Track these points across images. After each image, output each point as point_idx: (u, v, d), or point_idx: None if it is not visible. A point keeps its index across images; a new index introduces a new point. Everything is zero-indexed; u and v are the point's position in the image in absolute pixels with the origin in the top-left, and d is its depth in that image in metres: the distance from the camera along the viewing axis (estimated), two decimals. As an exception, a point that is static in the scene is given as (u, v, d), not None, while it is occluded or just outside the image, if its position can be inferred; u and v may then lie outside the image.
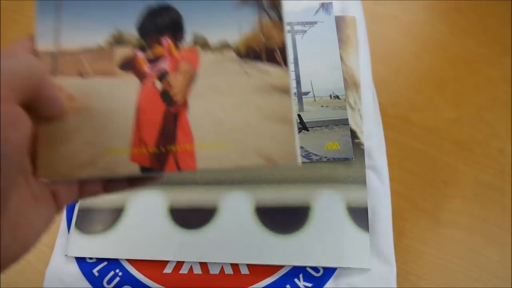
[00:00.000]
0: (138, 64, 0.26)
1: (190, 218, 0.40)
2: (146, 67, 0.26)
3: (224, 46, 0.26)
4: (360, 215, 0.40)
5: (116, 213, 0.41)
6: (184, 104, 0.26)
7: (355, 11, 0.53)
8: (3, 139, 0.19)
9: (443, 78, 0.54)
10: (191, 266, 0.40)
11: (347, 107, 0.45)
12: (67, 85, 0.25)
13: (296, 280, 0.39)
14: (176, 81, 0.26)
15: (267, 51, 0.26)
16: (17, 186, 0.22)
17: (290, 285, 0.39)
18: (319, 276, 0.39)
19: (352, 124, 0.44)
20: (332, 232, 0.40)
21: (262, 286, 0.39)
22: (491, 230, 0.45)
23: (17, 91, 0.20)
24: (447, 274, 0.43)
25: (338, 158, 0.42)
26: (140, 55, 0.27)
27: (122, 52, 0.27)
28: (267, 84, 0.26)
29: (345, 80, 0.46)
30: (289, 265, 0.40)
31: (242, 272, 0.40)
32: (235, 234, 0.40)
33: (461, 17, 0.58)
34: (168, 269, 0.40)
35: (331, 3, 0.51)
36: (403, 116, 0.51)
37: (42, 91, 0.22)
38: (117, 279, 0.39)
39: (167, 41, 0.27)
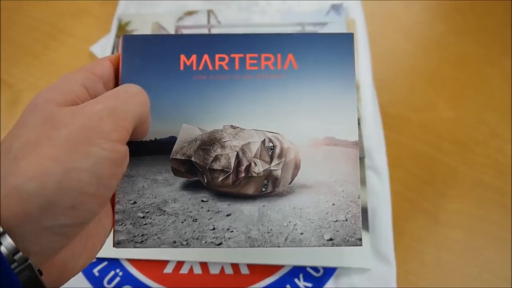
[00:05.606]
0: None
1: (190, 218, 0.40)
2: None
3: None
4: (360, 215, 0.40)
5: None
6: None
7: (355, 12, 0.53)
8: (116, 175, 0.21)
9: (443, 78, 0.54)
10: (191, 266, 0.40)
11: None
12: None
13: (296, 280, 0.39)
14: None
15: None
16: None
17: (290, 285, 0.39)
18: (319, 276, 0.39)
19: (352, 124, 0.44)
20: (332, 232, 0.40)
21: (262, 286, 0.39)
22: (491, 230, 0.45)
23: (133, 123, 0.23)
24: (447, 274, 0.43)
25: None
26: None
27: None
28: None
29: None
30: (289, 265, 0.40)
31: (242, 272, 0.40)
32: (235, 234, 0.40)
33: (461, 17, 0.58)
34: (168, 269, 0.40)
35: (342, 4, 0.51)
36: (403, 116, 0.51)
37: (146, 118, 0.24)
38: (118, 279, 0.39)
39: None
